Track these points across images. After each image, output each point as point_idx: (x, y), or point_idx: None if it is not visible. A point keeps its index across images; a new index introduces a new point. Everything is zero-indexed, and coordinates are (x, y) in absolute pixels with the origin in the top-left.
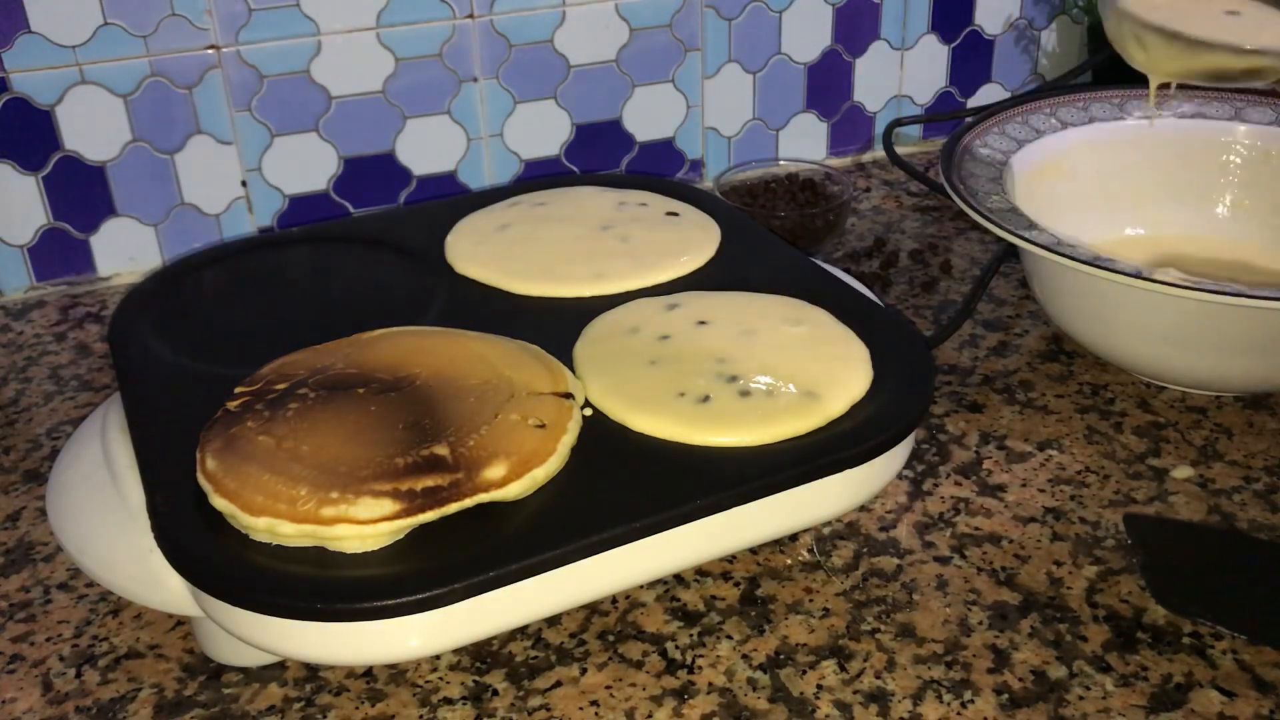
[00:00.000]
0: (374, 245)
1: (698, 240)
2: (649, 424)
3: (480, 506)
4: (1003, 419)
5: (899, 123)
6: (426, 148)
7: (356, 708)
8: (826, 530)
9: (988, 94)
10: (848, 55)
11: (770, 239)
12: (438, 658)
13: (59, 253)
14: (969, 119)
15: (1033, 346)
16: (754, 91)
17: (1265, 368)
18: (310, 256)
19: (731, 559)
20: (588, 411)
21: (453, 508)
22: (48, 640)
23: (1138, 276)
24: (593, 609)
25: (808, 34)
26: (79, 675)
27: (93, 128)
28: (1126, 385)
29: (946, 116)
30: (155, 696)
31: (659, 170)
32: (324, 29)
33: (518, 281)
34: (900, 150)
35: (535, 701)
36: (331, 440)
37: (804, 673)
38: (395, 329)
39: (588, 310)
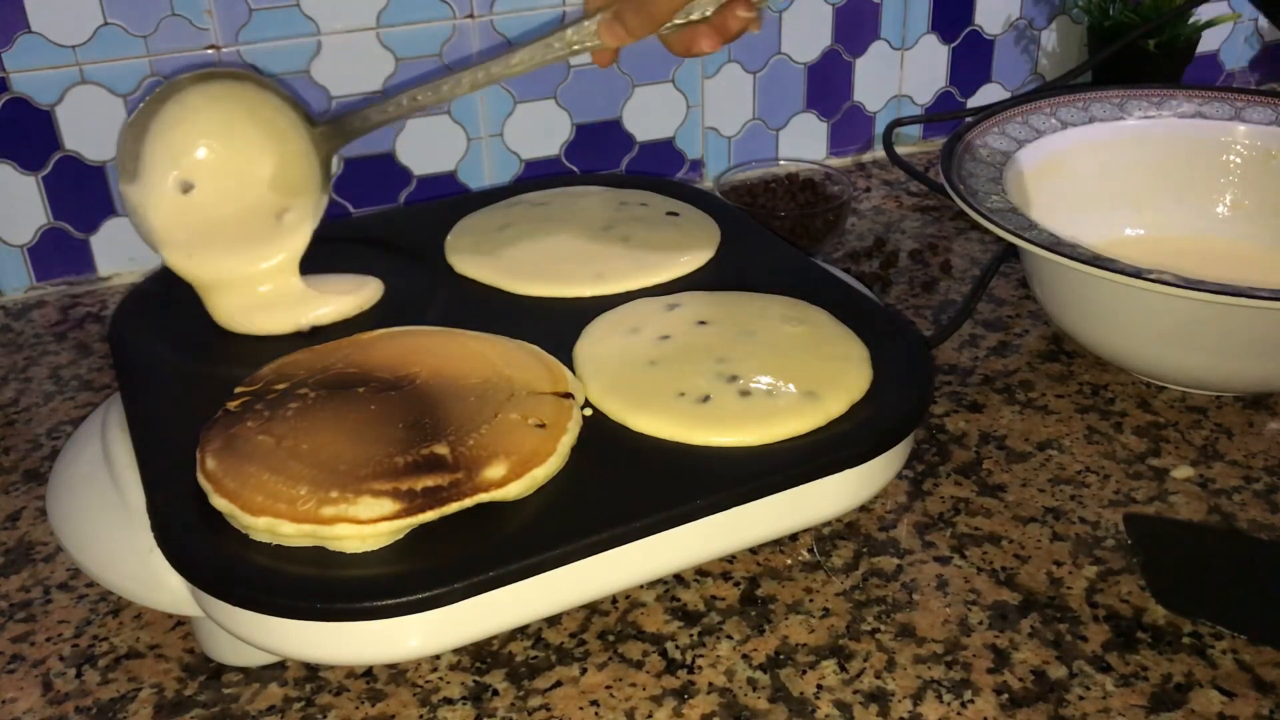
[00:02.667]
0: (374, 245)
1: (698, 240)
2: (649, 424)
3: (480, 506)
4: (1003, 419)
5: (899, 123)
6: (426, 148)
7: (356, 708)
8: (826, 530)
9: (988, 94)
10: (848, 55)
11: (770, 239)
12: (438, 658)
13: (59, 253)
14: (969, 119)
15: (1033, 346)
16: (754, 91)
17: (1265, 368)
18: (310, 256)
19: (731, 559)
20: (588, 411)
21: (453, 507)
22: (48, 640)
23: (1138, 276)
24: (593, 609)
25: (808, 34)
26: (79, 675)
27: (93, 128)
28: (1126, 385)
29: (946, 116)
30: (155, 696)
31: (659, 170)
32: (324, 29)
33: (518, 281)
34: (900, 150)
35: (535, 701)
36: (331, 439)
37: (804, 673)
38: (395, 329)
39: (588, 310)
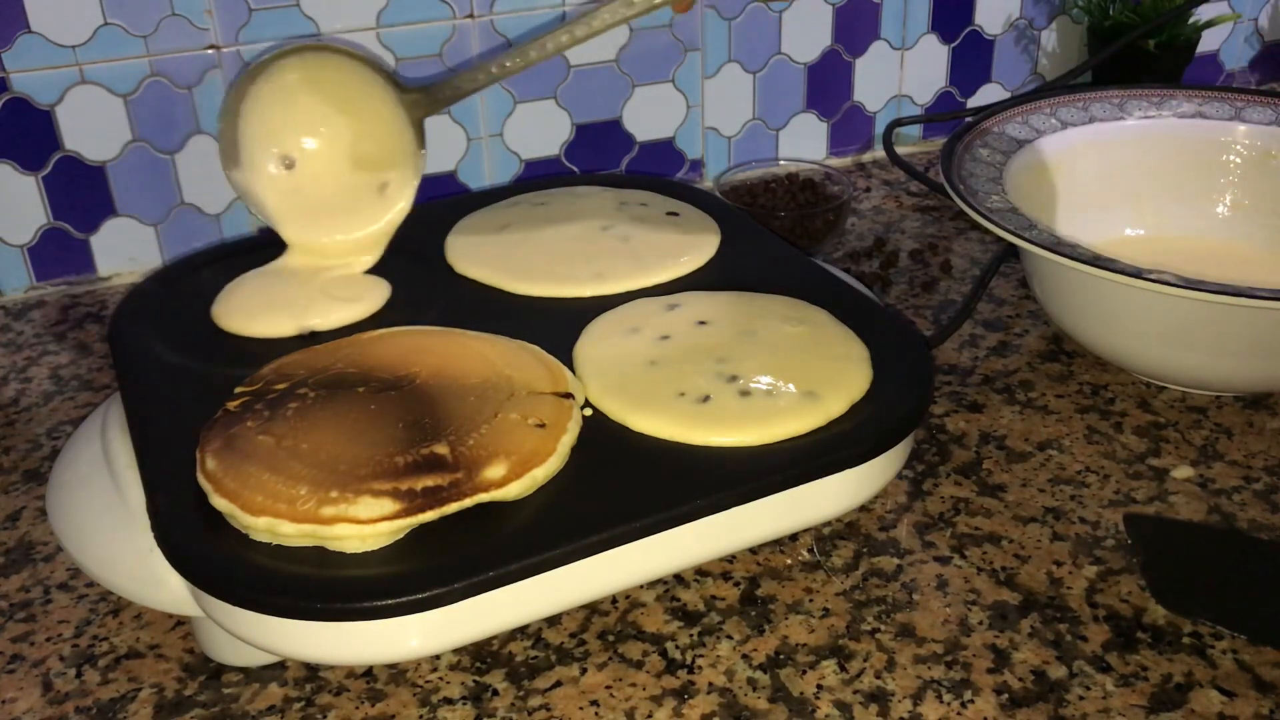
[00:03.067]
0: None
1: (698, 240)
2: (649, 424)
3: (480, 506)
4: (1003, 419)
5: (899, 123)
6: (427, 147)
7: (356, 708)
8: (826, 530)
9: (988, 94)
10: (848, 55)
11: (770, 239)
12: (438, 658)
13: (59, 253)
14: (969, 119)
15: (1033, 346)
16: (754, 91)
17: (1265, 368)
18: None
19: (731, 559)
20: (588, 411)
21: (453, 508)
22: (48, 640)
23: (1138, 276)
24: (593, 609)
25: (808, 34)
26: (79, 675)
27: (93, 128)
28: (1126, 385)
29: (946, 116)
30: (155, 696)
31: (659, 170)
32: (324, 29)
33: (518, 281)
34: (900, 150)
35: (535, 701)
36: (331, 439)
37: (804, 673)
38: (395, 329)
39: (588, 310)
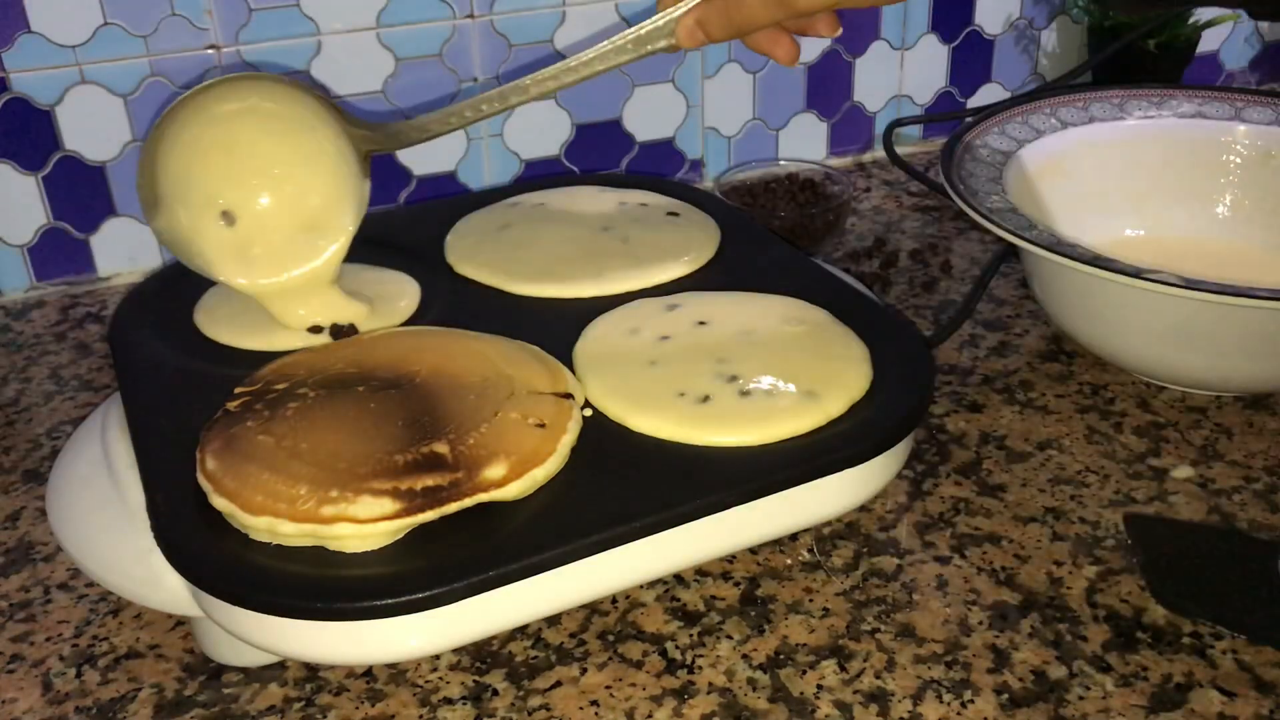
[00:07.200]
0: (374, 245)
1: (698, 240)
2: (649, 424)
3: (480, 506)
4: (1003, 419)
5: (899, 123)
6: (426, 148)
7: (356, 708)
8: (826, 530)
9: (988, 94)
10: (848, 55)
11: (770, 239)
12: (438, 658)
13: (59, 253)
14: (969, 119)
15: (1033, 346)
16: (754, 91)
17: (1265, 368)
18: None
19: (731, 559)
20: (588, 412)
21: (452, 507)
22: (48, 640)
23: (1138, 276)
24: (593, 609)
25: None
26: (79, 675)
27: (93, 128)
28: (1126, 385)
29: (946, 117)
30: (155, 696)
31: (659, 170)
32: (324, 29)
33: (518, 281)
34: (900, 150)
35: (535, 701)
36: (331, 438)
37: (804, 673)
38: (395, 329)
39: (588, 310)
